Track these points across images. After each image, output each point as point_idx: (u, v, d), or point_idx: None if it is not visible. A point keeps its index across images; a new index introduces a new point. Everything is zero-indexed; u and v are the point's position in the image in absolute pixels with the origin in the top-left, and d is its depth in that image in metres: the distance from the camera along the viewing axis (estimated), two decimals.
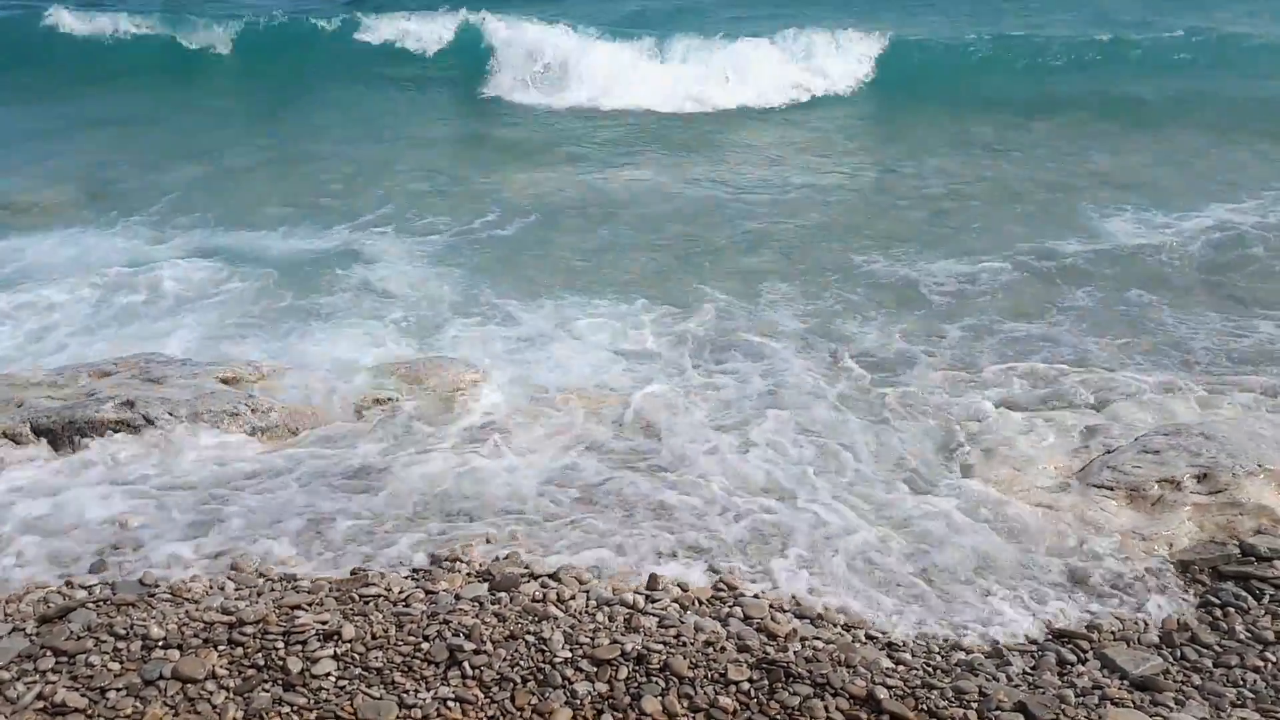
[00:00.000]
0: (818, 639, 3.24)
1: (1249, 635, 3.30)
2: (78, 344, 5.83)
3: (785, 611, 3.41)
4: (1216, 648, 3.24)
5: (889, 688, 2.99)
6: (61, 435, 4.48)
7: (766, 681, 3.00)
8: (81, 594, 3.43)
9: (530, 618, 3.30)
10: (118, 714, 2.85)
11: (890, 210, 8.52)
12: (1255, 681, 3.07)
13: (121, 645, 3.12)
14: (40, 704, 2.88)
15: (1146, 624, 3.41)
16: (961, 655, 3.22)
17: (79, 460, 4.36)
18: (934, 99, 12.80)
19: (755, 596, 3.50)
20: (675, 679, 2.99)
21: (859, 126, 12.56)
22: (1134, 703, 2.97)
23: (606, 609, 3.39)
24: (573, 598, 3.46)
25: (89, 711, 2.86)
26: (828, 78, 13.73)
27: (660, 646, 3.12)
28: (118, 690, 2.94)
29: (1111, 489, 4.16)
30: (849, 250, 7.41)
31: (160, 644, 3.12)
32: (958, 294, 6.60)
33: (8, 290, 6.62)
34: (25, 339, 5.93)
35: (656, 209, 8.59)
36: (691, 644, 3.16)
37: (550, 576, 3.59)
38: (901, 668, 3.12)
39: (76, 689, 2.93)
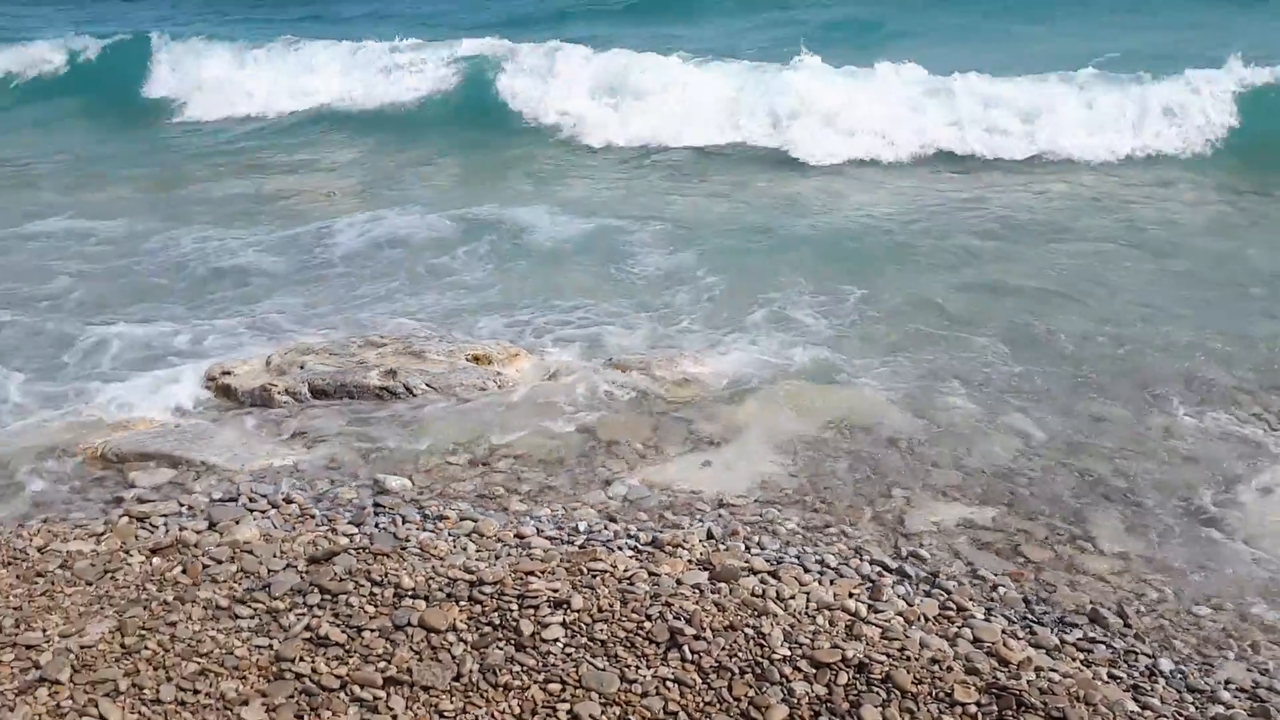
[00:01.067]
0: (1054, 670, 3.06)
1: None
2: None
3: (1019, 639, 3.25)
4: None
5: None
6: (333, 396, 4.96)
7: (995, 708, 2.87)
8: (344, 541, 3.78)
9: (749, 611, 3.32)
10: (370, 652, 3.12)
11: None
12: None
13: (376, 591, 3.41)
14: (307, 634, 3.20)
15: None
16: (1220, 709, 2.94)
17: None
18: None
19: (986, 620, 3.35)
20: (898, 692, 2.92)
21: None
22: None
23: (827, 613, 3.35)
24: (793, 597, 3.44)
25: (347, 647, 3.15)
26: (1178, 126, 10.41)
27: (883, 657, 3.06)
28: (371, 631, 3.21)
29: None
30: None
31: (409, 594, 3.39)
32: None
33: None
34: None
35: None
36: (916, 659, 3.07)
37: (770, 574, 3.60)
38: (1149, 713, 2.89)
39: (337, 625, 3.24)
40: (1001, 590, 3.58)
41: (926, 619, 3.36)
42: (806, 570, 3.64)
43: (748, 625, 3.23)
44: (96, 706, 2.88)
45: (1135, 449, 4.62)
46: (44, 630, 3.18)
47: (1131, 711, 2.89)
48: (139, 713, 2.87)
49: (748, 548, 3.79)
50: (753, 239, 7.96)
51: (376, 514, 4.01)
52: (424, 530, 3.89)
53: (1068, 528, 4.02)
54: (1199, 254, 7.30)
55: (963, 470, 4.46)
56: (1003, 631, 3.28)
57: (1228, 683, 3.09)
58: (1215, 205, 8.95)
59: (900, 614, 3.38)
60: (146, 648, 3.11)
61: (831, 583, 3.58)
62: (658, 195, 9.65)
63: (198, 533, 3.82)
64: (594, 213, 8.72)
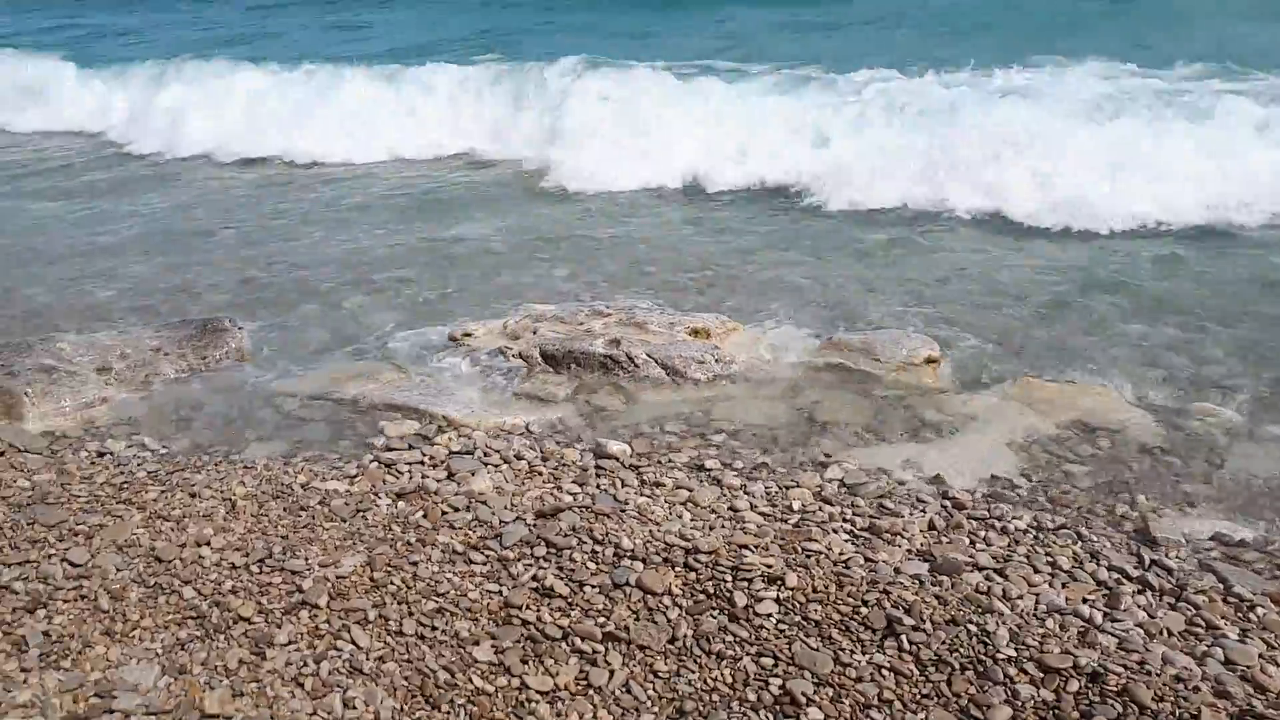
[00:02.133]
0: None
1: None
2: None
3: None
4: None
5: None
6: (561, 362, 5.17)
7: None
8: (568, 499, 3.96)
9: (972, 607, 3.21)
10: (591, 607, 3.26)
11: None
12: None
13: (598, 549, 3.55)
14: (533, 584, 3.38)
15: None
16: None
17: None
18: None
19: (1241, 641, 3.07)
20: (1135, 706, 2.74)
21: None
22: None
23: (1058, 616, 3.18)
24: (1020, 597, 3.29)
25: (569, 599, 3.30)
26: None
27: (1120, 669, 2.87)
28: (592, 587, 3.35)
29: None
30: None
31: (629, 555, 3.50)
32: None
33: None
34: None
35: None
36: (1157, 675, 2.86)
37: (996, 571, 3.45)
38: None
39: (561, 578, 3.40)
40: (1261, 612, 3.26)
41: (1170, 634, 3.12)
42: (1036, 571, 3.46)
43: (970, 621, 3.11)
44: (349, 631, 3.17)
45: None
46: (305, 559, 3.53)
47: None
48: (384, 641, 3.14)
49: (973, 542, 3.65)
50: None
51: (598, 476, 4.16)
52: (642, 495, 4.00)
53: None
54: None
55: (1218, 482, 4.09)
56: (1260, 656, 3.00)
57: None
58: None
59: (1140, 625, 3.16)
60: (392, 583, 3.39)
61: (1064, 586, 3.39)
62: None
63: (438, 481, 4.10)
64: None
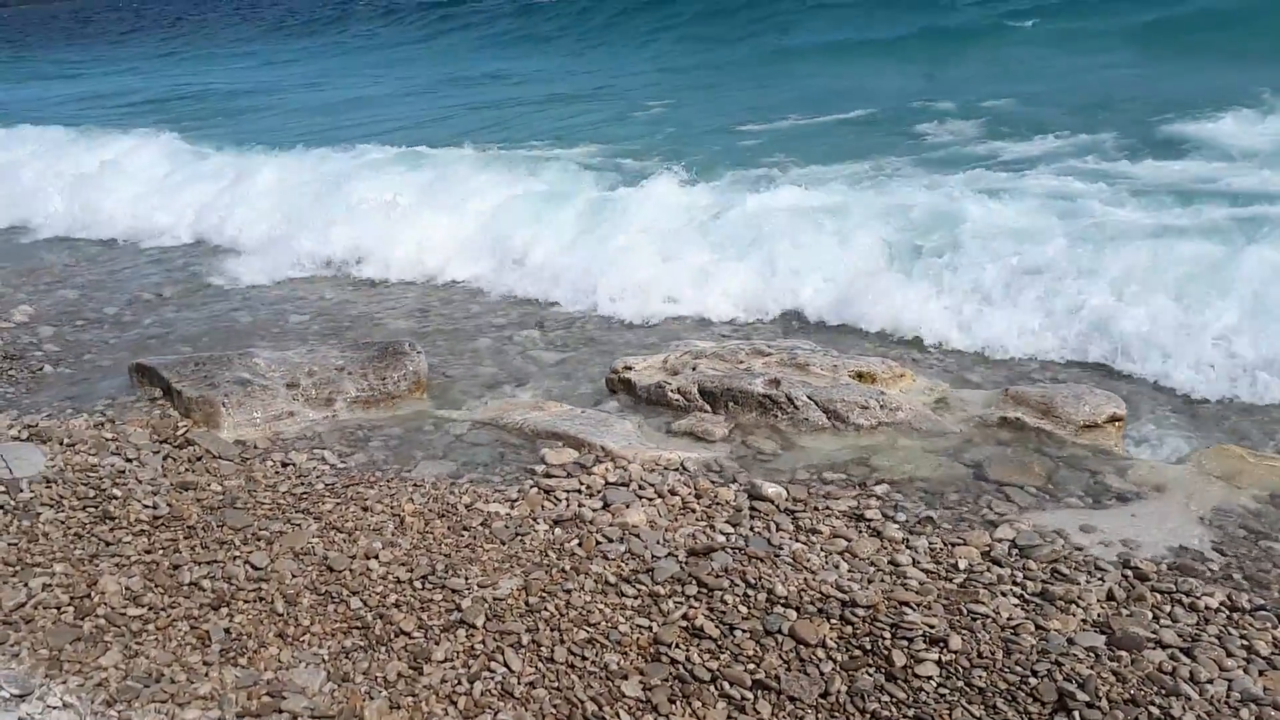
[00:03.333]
0: None
1: None
2: None
3: None
4: None
5: None
6: (719, 399, 5.16)
7: None
8: (721, 539, 3.92)
9: (1155, 688, 2.96)
10: (741, 652, 3.21)
11: None
12: None
13: (751, 593, 3.49)
14: (684, 622, 3.36)
15: None
16: None
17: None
18: None
19: None
20: None
21: None
22: None
23: (1254, 707, 2.89)
24: (1210, 681, 3.01)
25: (720, 642, 3.26)
26: None
27: None
28: (743, 631, 3.30)
29: None
30: None
31: (782, 601, 3.43)
32: None
33: None
34: None
35: None
36: None
37: (1183, 651, 3.18)
38: None
39: (711, 619, 3.36)
40: None
41: None
42: (1230, 655, 3.17)
43: (1153, 703, 2.88)
44: (502, 654, 3.23)
45: None
46: (465, 579, 3.64)
47: None
48: (535, 667, 3.18)
49: (1156, 617, 3.38)
50: None
51: (752, 518, 4.11)
52: (797, 541, 3.92)
53: None
54: None
55: None
56: None
57: None
58: None
59: None
60: (546, 609, 3.44)
61: (1261, 674, 3.08)
62: None
63: (593, 511, 4.15)
64: None
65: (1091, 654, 3.14)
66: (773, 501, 4.25)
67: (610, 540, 3.91)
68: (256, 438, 5.05)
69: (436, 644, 3.29)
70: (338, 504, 4.24)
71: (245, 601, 3.52)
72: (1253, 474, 4.35)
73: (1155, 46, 15.75)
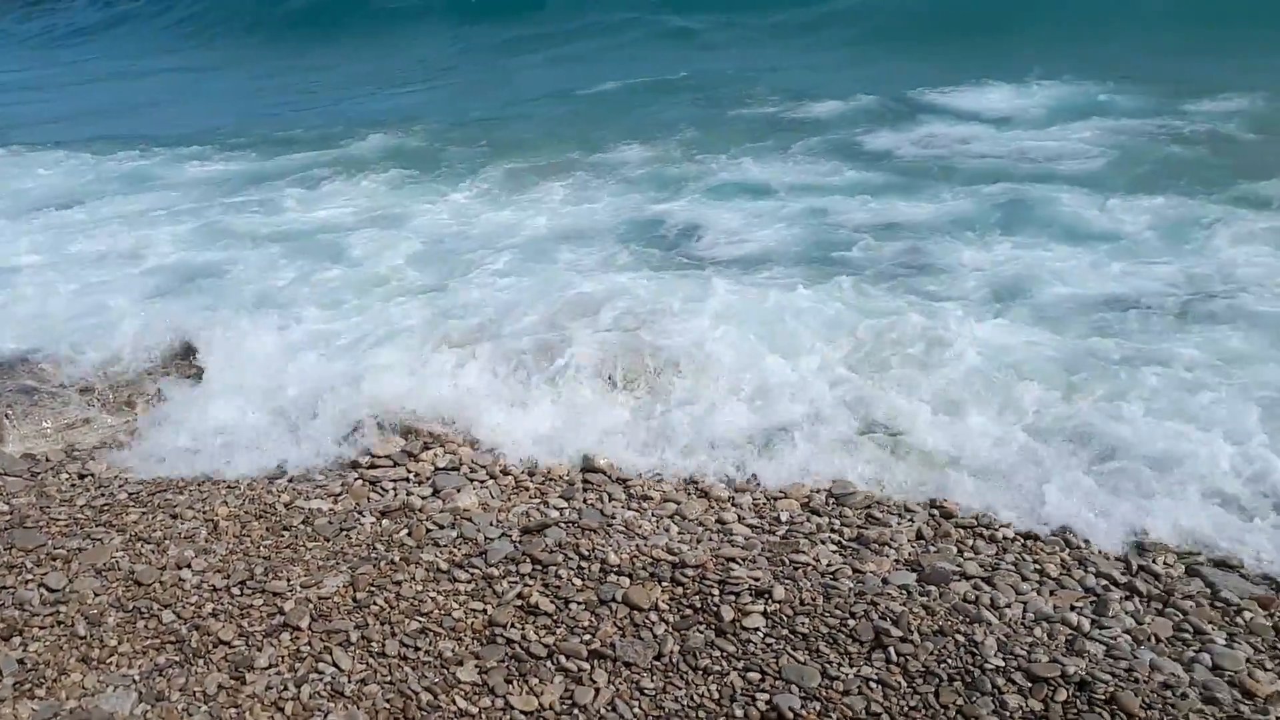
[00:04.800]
0: None
1: None
2: None
3: (1268, 670, 2.94)
4: None
5: None
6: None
7: None
8: (554, 514, 3.92)
9: (960, 617, 3.18)
10: (577, 624, 3.23)
11: None
12: None
13: (584, 565, 3.52)
14: (519, 602, 3.35)
15: None
16: None
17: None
18: None
19: (1228, 646, 3.05)
20: (1123, 715, 2.71)
21: None
22: None
23: (1045, 625, 3.16)
24: (1008, 606, 3.27)
25: (555, 617, 3.27)
26: None
27: (1108, 676, 2.85)
28: (578, 604, 3.32)
29: None
30: None
31: (615, 570, 3.47)
32: None
33: None
34: None
35: None
36: (1145, 682, 2.85)
37: (985, 580, 3.43)
38: None
39: (547, 595, 3.37)
40: (1248, 616, 3.24)
41: (1158, 640, 3.11)
42: (1025, 579, 3.44)
43: (959, 632, 3.09)
44: (330, 654, 3.13)
45: None
46: (288, 580, 3.50)
47: None
48: (366, 663, 3.10)
49: (960, 551, 3.63)
50: None
51: (585, 490, 4.13)
52: (629, 509, 3.98)
53: None
54: None
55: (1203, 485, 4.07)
56: (1248, 660, 2.98)
57: None
58: None
59: (1128, 632, 3.14)
60: (375, 603, 3.35)
61: (1052, 593, 3.37)
62: None
63: (423, 498, 4.07)
64: None
65: (904, 591, 3.34)
66: (604, 473, 4.29)
67: (441, 527, 3.85)
68: (48, 450, 4.66)
69: (259, 650, 3.15)
70: (144, 513, 3.98)
71: (41, 628, 3.26)
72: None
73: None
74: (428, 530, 3.81)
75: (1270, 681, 2.88)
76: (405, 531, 3.81)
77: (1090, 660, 2.96)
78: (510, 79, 16.52)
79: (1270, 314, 5.32)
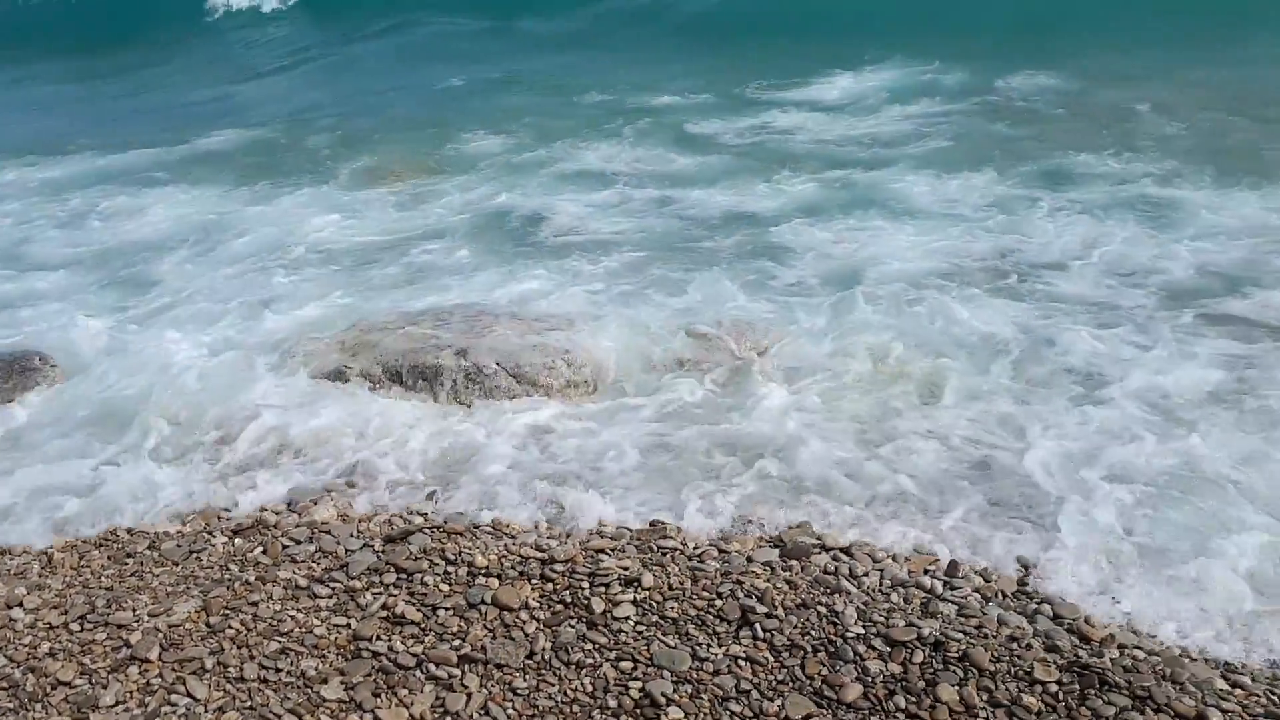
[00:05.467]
0: (1139, 648, 2.96)
1: None
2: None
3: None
4: None
5: (1224, 712, 2.68)
6: (406, 378, 5.02)
7: (1077, 686, 2.79)
8: (419, 520, 3.84)
9: (822, 589, 3.29)
10: (445, 630, 3.17)
11: None
12: None
13: (451, 569, 3.45)
14: (384, 613, 3.27)
15: None
16: None
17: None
18: None
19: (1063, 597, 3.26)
20: (975, 670, 2.86)
21: None
22: None
23: (901, 590, 3.30)
24: (865, 574, 3.40)
25: (423, 625, 3.20)
26: None
27: (960, 635, 3.00)
28: (446, 609, 3.26)
29: None
30: None
31: (483, 572, 3.43)
32: None
33: None
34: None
35: None
36: (994, 637, 3.01)
37: (843, 550, 3.55)
38: (1240, 691, 2.78)
39: (413, 604, 3.29)
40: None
41: (1004, 595, 3.29)
42: (881, 547, 3.58)
43: (820, 603, 3.19)
44: (184, 684, 2.97)
45: None
46: (134, 610, 3.30)
47: (1221, 689, 2.79)
48: (224, 690, 2.96)
49: (817, 522, 3.74)
50: None
51: (448, 497, 4.06)
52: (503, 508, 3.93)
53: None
54: None
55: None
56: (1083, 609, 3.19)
57: None
58: None
59: (977, 590, 3.31)
60: (230, 627, 3.20)
61: (906, 559, 3.52)
62: None
63: (277, 513, 3.92)
64: None
65: (768, 568, 3.42)
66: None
67: (298, 542, 3.71)
68: None
69: (104, 688, 2.96)
70: None
71: None
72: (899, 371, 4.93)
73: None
74: (284, 547, 3.66)
75: (1104, 626, 3.09)
76: (260, 550, 3.66)
77: (944, 620, 3.11)
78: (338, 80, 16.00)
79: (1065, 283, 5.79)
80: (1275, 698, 2.76)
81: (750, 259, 6.70)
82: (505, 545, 3.60)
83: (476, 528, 3.73)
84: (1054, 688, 2.79)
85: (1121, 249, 6.37)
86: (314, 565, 3.55)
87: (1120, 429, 4.27)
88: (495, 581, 3.37)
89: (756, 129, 10.48)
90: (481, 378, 4.96)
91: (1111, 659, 2.91)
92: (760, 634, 3.07)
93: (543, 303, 6.10)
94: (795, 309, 5.82)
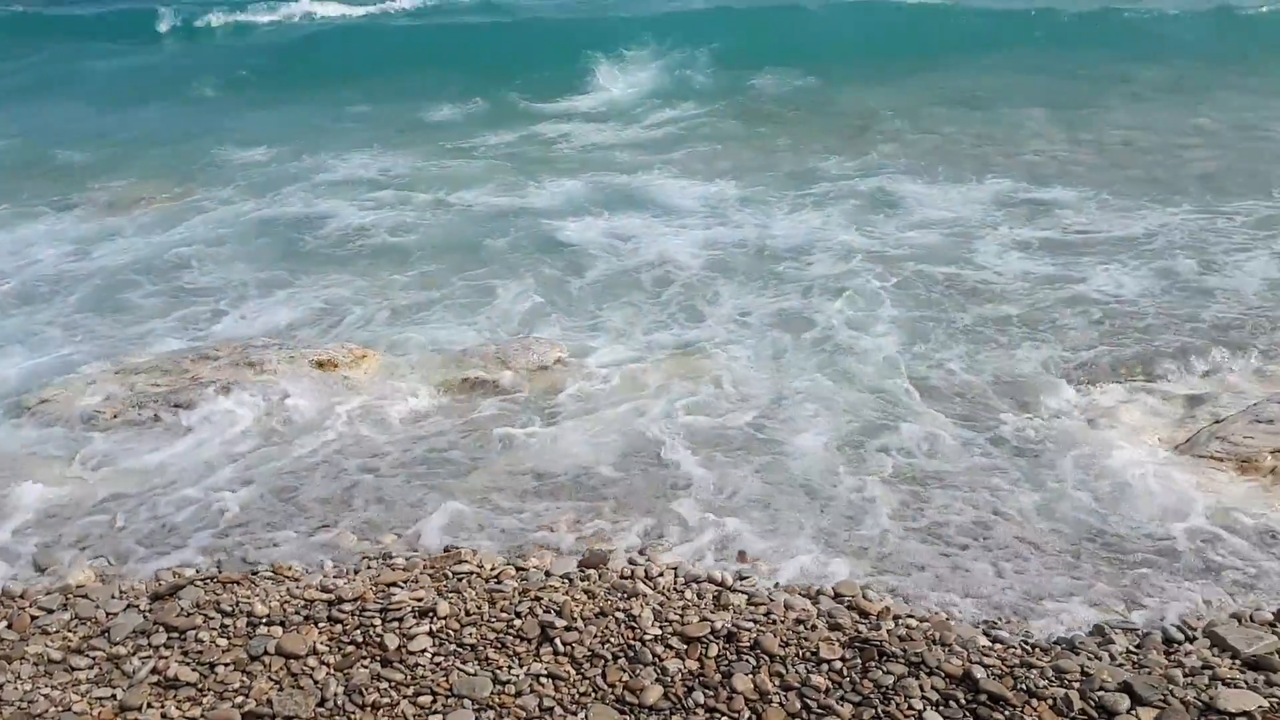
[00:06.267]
0: (911, 616, 3.18)
1: None
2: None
3: (876, 590, 3.36)
4: None
5: (986, 667, 2.92)
6: (164, 417, 4.66)
7: (859, 660, 2.96)
8: (190, 572, 3.57)
9: (619, 594, 3.32)
10: (226, 688, 2.96)
11: None
12: None
13: (228, 622, 3.23)
14: (154, 678, 3.01)
15: (1260, 601, 3.26)
16: (1062, 633, 3.13)
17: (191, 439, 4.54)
18: None
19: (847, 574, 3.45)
20: (766, 657, 2.98)
21: None
22: (1246, 683, 2.84)
23: (695, 586, 3.39)
24: (660, 574, 3.46)
25: (200, 685, 2.97)
26: None
27: (750, 624, 3.11)
28: (225, 665, 3.05)
29: (1221, 460, 3.98)
30: None
31: (264, 621, 3.23)
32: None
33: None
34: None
35: None
36: (782, 622, 3.14)
37: (639, 551, 3.61)
38: (999, 646, 3.04)
39: (188, 664, 3.06)
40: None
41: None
42: (674, 545, 3.66)
43: (618, 610, 3.22)
44: None
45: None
46: None
47: (984, 646, 3.04)
48: None
49: (613, 525, 3.78)
50: None
51: (225, 538, 3.80)
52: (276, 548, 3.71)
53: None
54: None
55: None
56: (862, 586, 3.39)
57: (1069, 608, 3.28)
58: None
59: (764, 576, 3.45)
60: None
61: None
62: None
63: (25, 581, 3.53)
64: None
65: (566, 580, 3.42)
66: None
67: (50, 611, 3.35)
68: None
69: None
70: None
71: None
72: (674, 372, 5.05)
73: None
74: (33, 618, 3.31)
75: (880, 599, 3.30)
76: (3, 624, 3.28)
77: (735, 611, 3.21)
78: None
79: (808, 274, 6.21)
80: (1029, 648, 3.04)
81: (534, 261, 6.83)
82: (288, 590, 3.41)
83: (255, 575, 3.51)
84: (839, 664, 2.95)
85: (850, 236, 7.20)
86: (70, 635, 3.22)
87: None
88: (279, 629, 3.18)
89: (527, 138, 10.68)
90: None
91: (888, 630, 3.11)
92: (561, 648, 3.06)
93: (311, 330, 5.85)
94: (579, 313, 5.90)
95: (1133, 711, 2.71)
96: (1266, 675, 2.87)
